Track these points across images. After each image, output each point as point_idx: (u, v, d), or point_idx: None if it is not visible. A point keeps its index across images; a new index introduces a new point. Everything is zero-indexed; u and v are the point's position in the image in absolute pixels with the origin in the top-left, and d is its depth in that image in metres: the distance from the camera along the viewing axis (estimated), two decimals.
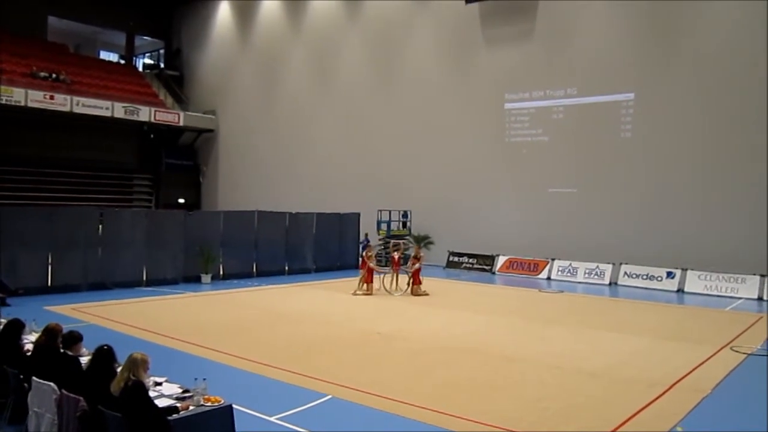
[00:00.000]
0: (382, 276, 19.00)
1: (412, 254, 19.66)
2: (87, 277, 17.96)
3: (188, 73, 43.38)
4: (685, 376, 9.99)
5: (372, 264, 18.66)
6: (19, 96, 31.36)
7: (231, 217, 22.79)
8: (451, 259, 27.38)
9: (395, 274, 19.06)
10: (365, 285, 18.41)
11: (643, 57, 23.43)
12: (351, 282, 20.60)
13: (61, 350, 6.76)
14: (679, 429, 7.47)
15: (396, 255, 19.16)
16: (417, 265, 18.43)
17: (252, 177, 37.96)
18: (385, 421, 7.69)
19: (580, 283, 23.15)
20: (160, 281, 19.39)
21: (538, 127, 26.21)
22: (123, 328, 12.66)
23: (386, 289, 18.61)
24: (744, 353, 11.76)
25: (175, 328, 12.70)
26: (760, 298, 19.64)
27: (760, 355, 11.75)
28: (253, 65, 38.60)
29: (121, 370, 5.72)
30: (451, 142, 28.68)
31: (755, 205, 20.62)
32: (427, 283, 18.96)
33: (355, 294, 18.27)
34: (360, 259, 21.71)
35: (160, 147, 39.98)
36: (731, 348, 12.21)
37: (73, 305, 15.20)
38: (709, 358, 11.37)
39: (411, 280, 18.61)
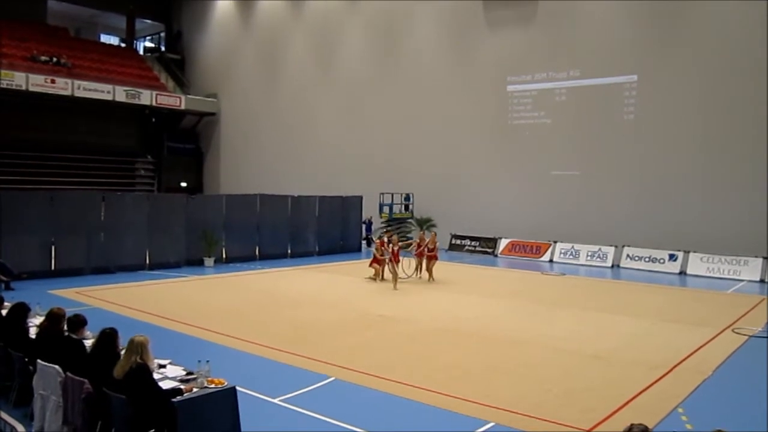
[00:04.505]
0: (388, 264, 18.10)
1: (416, 240, 19.44)
2: (90, 261, 18.04)
3: (189, 56, 43.20)
4: (687, 358, 10.03)
5: (378, 254, 18.20)
6: (20, 80, 31.29)
7: (233, 200, 22.78)
8: (453, 241, 27.40)
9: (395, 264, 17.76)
10: (375, 270, 18.01)
11: (646, 38, 23.28)
12: (354, 265, 20.65)
13: (65, 333, 6.80)
14: (680, 411, 7.50)
15: (395, 248, 17.60)
16: (396, 246, 17.64)
17: (254, 160, 37.93)
18: (388, 403, 7.74)
19: (582, 265, 23.17)
20: (162, 265, 19.44)
21: (541, 110, 26.10)
22: (126, 312, 12.72)
23: (405, 273, 18.27)
24: (745, 335, 11.80)
25: (178, 312, 12.76)
26: (762, 281, 19.68)
27: (761, 337, 11.78)
28: (255, 48, 38.43)
29: (125, 354, 5.74)
30: (453, 125, 28.60)
31: (758, 188, 20.60)
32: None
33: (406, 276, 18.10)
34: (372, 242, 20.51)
35: (162, 131, 39.95)
36: (733, 330, 12.25)
37: (76, 289, 15.27)
38: (710, 340, 11.41)
39: (420, 265, 18.47)
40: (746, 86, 21.13)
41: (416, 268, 18.66)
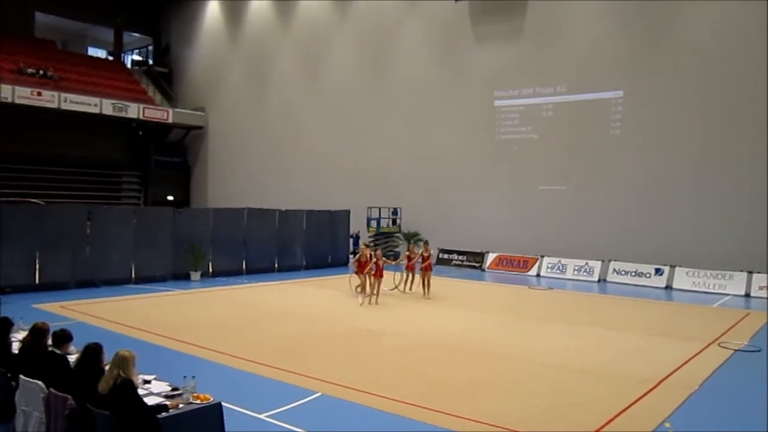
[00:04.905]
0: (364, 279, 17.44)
1: (406, 253, 19.33)
2: (75, 275, 17.85)
3: (177, 69, 43.17)
4: (674, 372, 10.05)
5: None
6: (6, 92, 31.08)
7: (220, 214, 22.71)
8: (441, 256, 27.38)
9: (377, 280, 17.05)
10: (361, 282, 17.47)
11: (632, 54, 23.54)
12: (341, 279, 20.52)
13: (49, 348, 6.72)
14: (667, 425, 7.51)
15: (380, 263, 16.89)
16: (381, 261, 16.98)
17: (241, 174, 37.85)
18: (376, 418, 7.69)
19: (569, 280, 23.24)
20: (149, 279, 19.29)
21: (528, 125, 26.28)
22: (112, 326, 12.59)
23: (395, 284, 18.21)
24: (731, 349, 11.85)
25: (164, 326, 12.65)
26: (747, 295, 19.79)
27: (747, 351, 11.85)
28: (243, 62, 38.47)
29: (109, 369, 5.68)
30: (441, 139, 28.69)
31: (744, 203, 20.81)
32: (415, 280, 18.71)
33: (404, 291, 18.09)
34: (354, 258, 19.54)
35: (149, 144, 39.74)
36: (719, 344, 12.30)
37: (61, 303, 15.10)
38: (697, 354, 11.45)
39: (411, 278, 18.29)
40: (733, 102, 21.40)
41: (406, 280, 18.45)
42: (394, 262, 19.61)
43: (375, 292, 16.51)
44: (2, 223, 16.55)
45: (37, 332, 6.95)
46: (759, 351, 11.76)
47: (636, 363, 10.69)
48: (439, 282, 21.04)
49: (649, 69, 23.07)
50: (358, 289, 17.46)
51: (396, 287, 18.26)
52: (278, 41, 36.34)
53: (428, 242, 19.20)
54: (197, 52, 41.55)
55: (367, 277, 16.74)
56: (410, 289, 18.32)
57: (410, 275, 18.41)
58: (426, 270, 17.87)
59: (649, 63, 23.10)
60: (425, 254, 18.12)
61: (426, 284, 17.76)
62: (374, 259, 16.79)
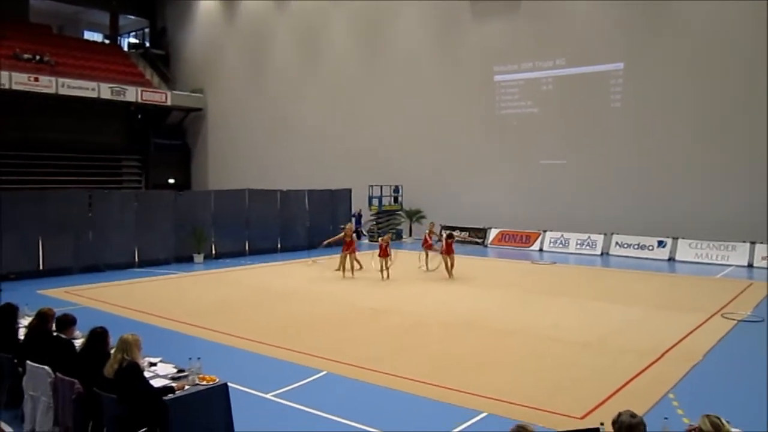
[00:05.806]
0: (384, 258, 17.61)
1: (427, 230, 19.30)
2: (78, 260, 17.91)
3: (174, 51, 42.86)
4: (677, 343, 10.09)
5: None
6: (3, 79, 30.88)
7: (222, 196, 22.71)
8: (443, 232, 27.35)
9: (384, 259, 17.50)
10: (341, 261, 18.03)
11: (632, 26, 23.31)
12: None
13: (54, 333, 6.76)
14: (671, 396, 7.54)
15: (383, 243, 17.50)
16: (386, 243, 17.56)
17: (242, 155, 37.74)
18: (382, 395, 7.74)
19: (572, 254, 23.24)
20: (152, 262, 19.36)
21: (528, 99, 26.11)
22: (116, 310, 12.66)
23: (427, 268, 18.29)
24: (734, 320, 11.88)
25: (168, 309, 12.71)
26: (750, 265, 19.79)
27: (750, 321, 11.88)
28: (240, 42, 38.17)
29: (114, 352, 5.71)
30: (441, 115, 28.55)
31: (745, 173, 20.75)
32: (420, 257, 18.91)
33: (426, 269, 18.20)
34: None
35: (148, 127, 39.58)
36: (722, 315, 12.33)
37: (65, 288, 15.18)
38: (700, 325, 11.48)
39: (428, 257, 18.44)
40: (733, 73, 21.21)
41: (426, 259, 18.46)
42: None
43: (384, 269, 16.92)
44: (4, 210, 16.56)
45: (43, 317, 6.99)
46: (762, 321, 11.78)
47: (639, 335, 10.74)
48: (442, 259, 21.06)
49: (649, 40, 22.85)
50: (343, 268, 17.85)
51: (429, 268, 18.26)
52: (275, 21, 36.02)
53: (452, 234, 18.99)
54: (194, 33, 41.22)
55: (348, 256, 17.67)
56: (431, 269, 18.23)
57: (427, 254, 18.51)
58: (449, 254, 17.65)
59: (648, 34, 22.87)
60: (449, 240, 17.86)
61: (447, 266, 17.57)
62: (379, 240, 17.47)
